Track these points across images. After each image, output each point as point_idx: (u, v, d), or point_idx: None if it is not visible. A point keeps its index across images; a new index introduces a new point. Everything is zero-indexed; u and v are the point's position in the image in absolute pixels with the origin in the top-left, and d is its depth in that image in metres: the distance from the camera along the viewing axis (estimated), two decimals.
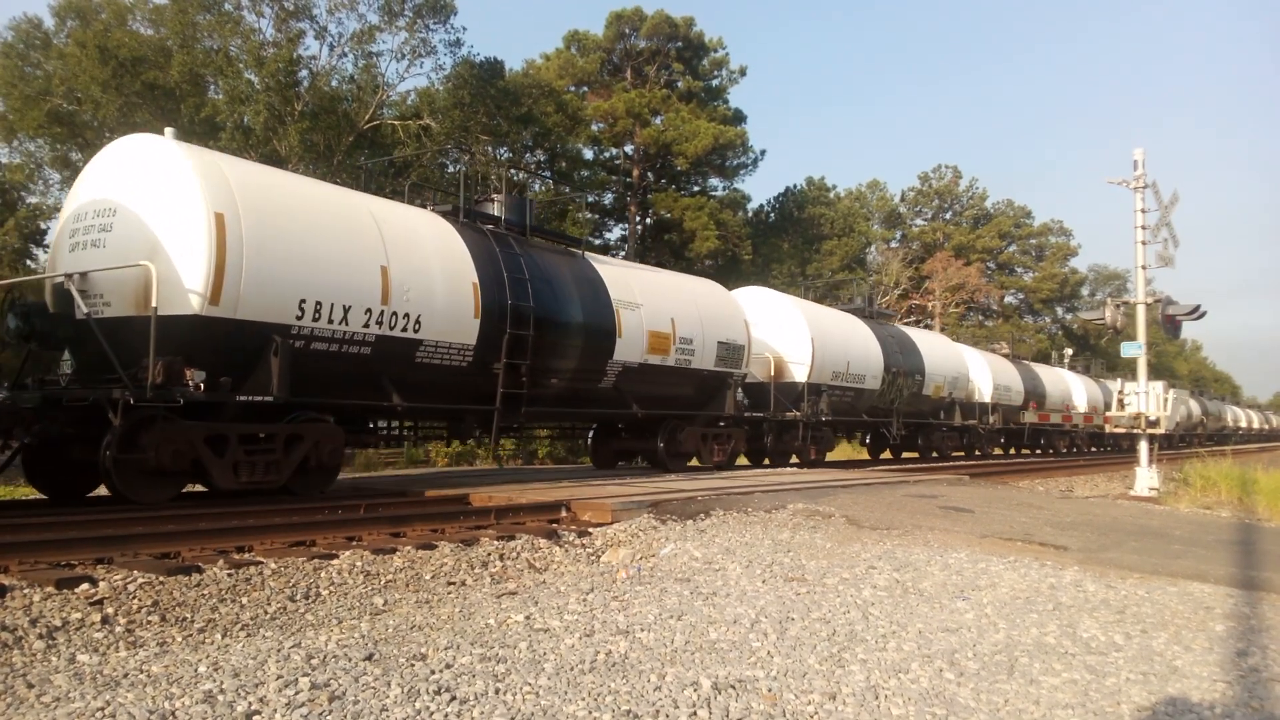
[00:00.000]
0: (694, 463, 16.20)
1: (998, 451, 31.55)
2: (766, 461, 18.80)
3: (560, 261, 13.34)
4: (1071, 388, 34.84)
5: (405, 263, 10.28)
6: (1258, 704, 4.07)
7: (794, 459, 18.30)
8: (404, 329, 10.14)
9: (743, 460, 20.24)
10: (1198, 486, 17.02)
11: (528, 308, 11.75)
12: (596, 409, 14.14)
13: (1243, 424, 61.80)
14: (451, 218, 12.03)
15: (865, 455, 27.26)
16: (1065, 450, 34.75)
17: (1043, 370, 33.80)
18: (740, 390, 16.80)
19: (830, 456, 21.05)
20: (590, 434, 17.55)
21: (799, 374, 18.95)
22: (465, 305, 10.99)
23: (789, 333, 19.10)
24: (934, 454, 25.96)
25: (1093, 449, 38.42)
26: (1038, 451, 33.95)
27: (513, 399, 11.73)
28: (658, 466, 14.96)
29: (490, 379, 11.41)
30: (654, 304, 14.38)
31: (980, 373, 27.61)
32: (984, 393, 27.58)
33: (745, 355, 16.23)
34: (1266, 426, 73.27)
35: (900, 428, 22.94)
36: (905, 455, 26.78)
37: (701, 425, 15.54)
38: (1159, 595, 6.32)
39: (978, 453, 28.21)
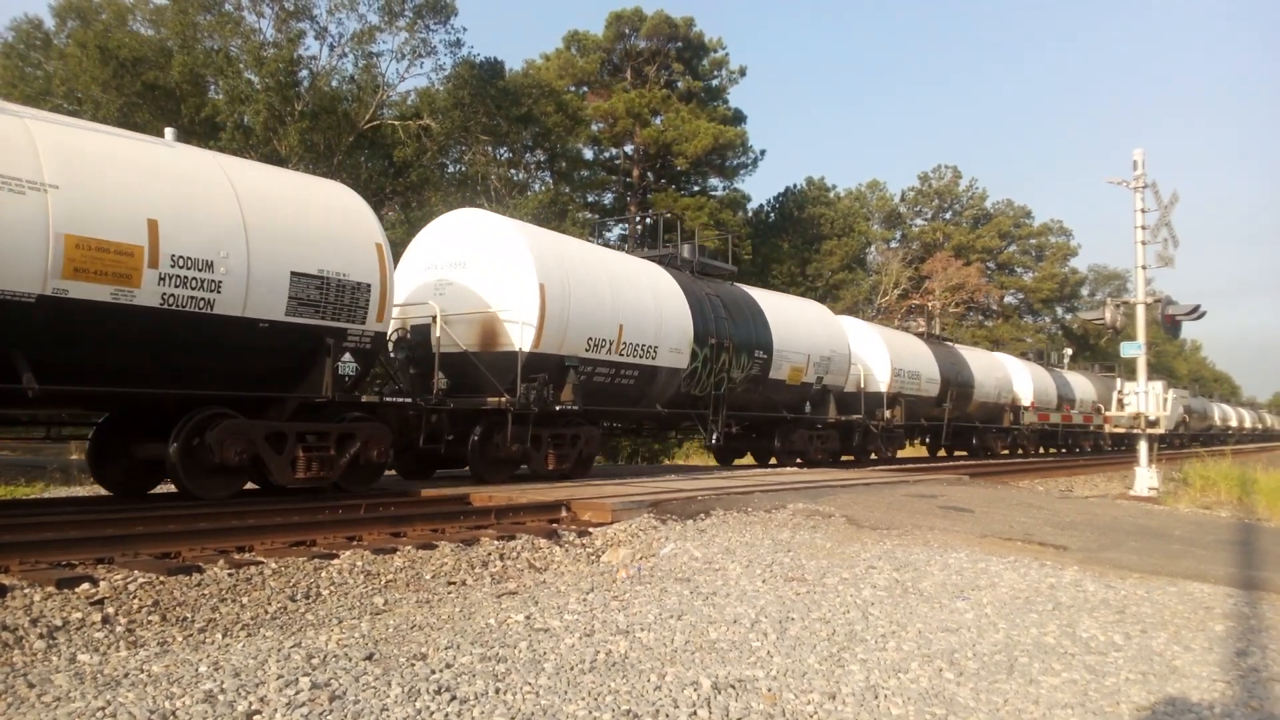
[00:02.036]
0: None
1: (910, 451, 28.33)
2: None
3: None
4: (1013, 376, 30.79)
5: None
6: (1257, 704, 4.07)
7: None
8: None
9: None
10: (1197, 486, 17.03)
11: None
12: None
13: (1233, 423, 60.00)
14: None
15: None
16: (1005, 452, 30.34)
17: (972, 354, 29.12)
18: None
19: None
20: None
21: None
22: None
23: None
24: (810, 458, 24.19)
25: (1060, 450, 35.71)
26: (962, 453, 29.14)
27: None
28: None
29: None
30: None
31: (879, 359, 22.70)
32: (880, 381, 22.59)
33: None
34: (1259, 426, 71.18)
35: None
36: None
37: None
38: (1159, 595, 6.33)
39: (873, 456, 22.88)
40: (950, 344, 28.02)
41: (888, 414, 21.27)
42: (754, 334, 16.56)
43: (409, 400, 11.14)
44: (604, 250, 15.08)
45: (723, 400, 15.58)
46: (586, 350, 12.61)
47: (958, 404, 25.59)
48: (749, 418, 17.27)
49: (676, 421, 16.07)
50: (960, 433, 27.18)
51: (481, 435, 11.50)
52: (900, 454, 25.19)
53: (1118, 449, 38.35)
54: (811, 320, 18.91)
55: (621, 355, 13.29)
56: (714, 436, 15.64)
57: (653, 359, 13.88)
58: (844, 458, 20.79)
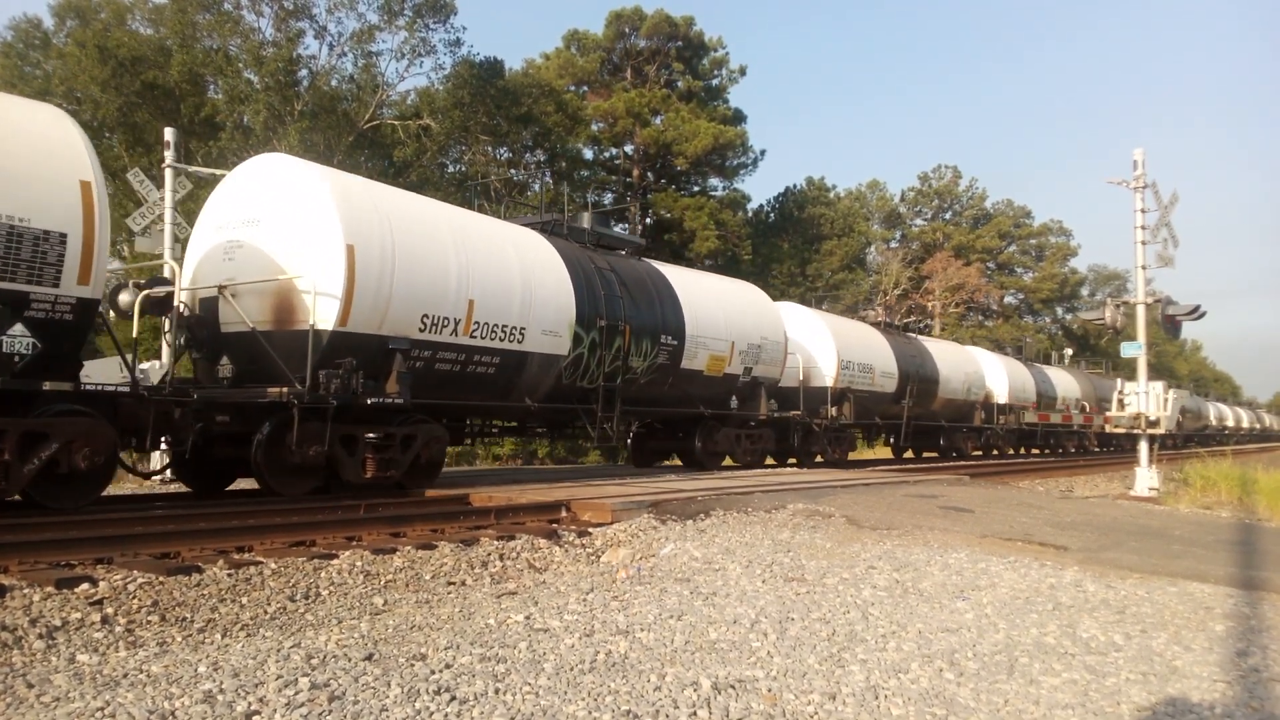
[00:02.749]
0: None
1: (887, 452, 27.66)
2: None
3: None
4: (986, 371, 28.33)
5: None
6: (1257, 704, 4.06)
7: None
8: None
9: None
10: (1198, 486, 17.03)
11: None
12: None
13: (1229, 423, 58.97)
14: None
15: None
16: (978, 453, 28.44)
17: (937, 346, 26.84)
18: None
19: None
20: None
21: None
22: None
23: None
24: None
25: (1043, 450, 34.01)
26: (932, 454, 27.18)
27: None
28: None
29: None
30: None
31: (823, 349, 19.93)
32: (825, 375, 19.83)
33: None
34: (1257, 426, 70.09)
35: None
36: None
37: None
38: (1159, 595, 6.32)
39: (820, 459, 20.13)
40: (912, 335, 25.87)
41: (833, 411, 19.14)
42: (661, 316, 14.09)
43: (126, 389, 8.21)
44: (452, 209, 12.10)
45: (617, 393, 13.16)
46: (421, 331, 10.15)
47: (919, 401, 23.37)
48: (657, 414, 15.37)
49: (559, 418, 13.50)
50: (927, 432, 25.22)
51: (269, 436, 9.07)
52: (857, 456, 23.29)
53: (1105, 450, 37.68)
54: (737, 303, 16.27)
55: (474, 338, 10.79)
56: (608, 435, 13.37)
57: (519, 343, 11.43)
58: (789, 461, 18.57)
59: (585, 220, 14.98)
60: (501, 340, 11.25)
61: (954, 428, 26.20)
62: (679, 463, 17.27)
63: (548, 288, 12.02)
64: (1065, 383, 35.15)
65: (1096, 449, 37.22)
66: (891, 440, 25.92)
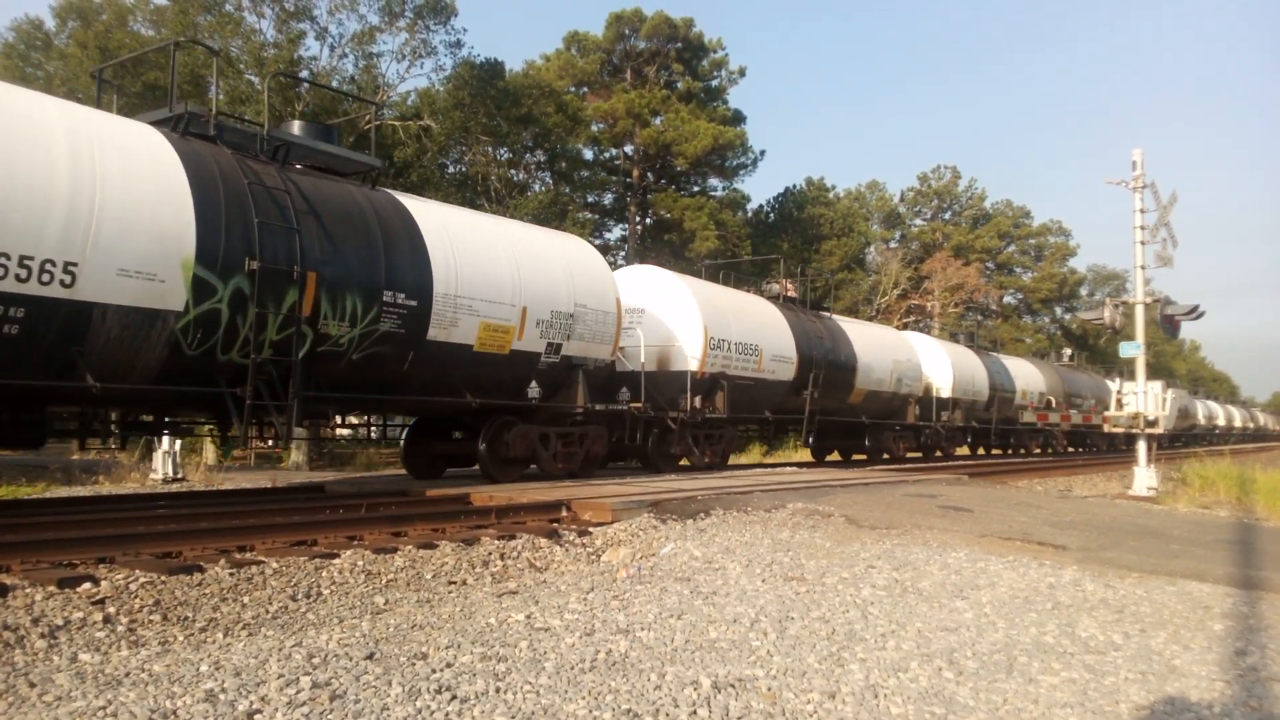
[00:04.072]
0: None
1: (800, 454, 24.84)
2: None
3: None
4: (925, 360, 24.37)
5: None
6: (1256, 703, 4.08)
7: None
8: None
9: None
10: (1196, 486, 17.03)
11: None
12: None
13: (1219, 421, 57.52)
14: None
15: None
16: (918, 455, 24.53)
17: (861, 329, 22.46)
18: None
19: None
20: None
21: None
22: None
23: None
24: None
25: (1007, 451, 31.25)
26: (860, 456, 23.51)
27: None
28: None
29: None
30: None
31: (686, 324, 15.52)
32: (689, 357, 15.47)
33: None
34: (1251, 425, 68.77)
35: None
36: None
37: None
38: (1158, 594, 6.34)
39: (683, 461, 16.24)
40: (826, 314, 21.29)
41: (696, 402, 15.08)
42: (385, 265, 10.09)
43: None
44: None
45: (297, 374, 9.16)
46: None
47: (830, 392, 19.20)
48: (391, 407, 11.90)
49: (168, 404, 9.59)
50: (848, 431, 21.42)
51: None
52: (753, 458, 21.06)
53: (1084, 450, 36.09)
54: (539, 256, 12.30)
55: None
56: (278, 433, 9.56)
57: (68, 287, 7.48)
58: (631, 463, 15.94)
59: (296, 129, 10.73)
60: (37, 285, 7.28)
61: (880, 425, 22.03)
62: (476, 468, 12.73)
63: (136, 203, 7.96)
64: (1027, 375, 31.35)
65: (1066, 449, 34.70)
66: (811, 441, 22.32)
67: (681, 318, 15.36)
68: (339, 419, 14.67)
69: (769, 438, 21.35)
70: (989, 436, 28.51)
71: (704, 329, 15.27)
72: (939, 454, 24.91)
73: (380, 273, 10.09)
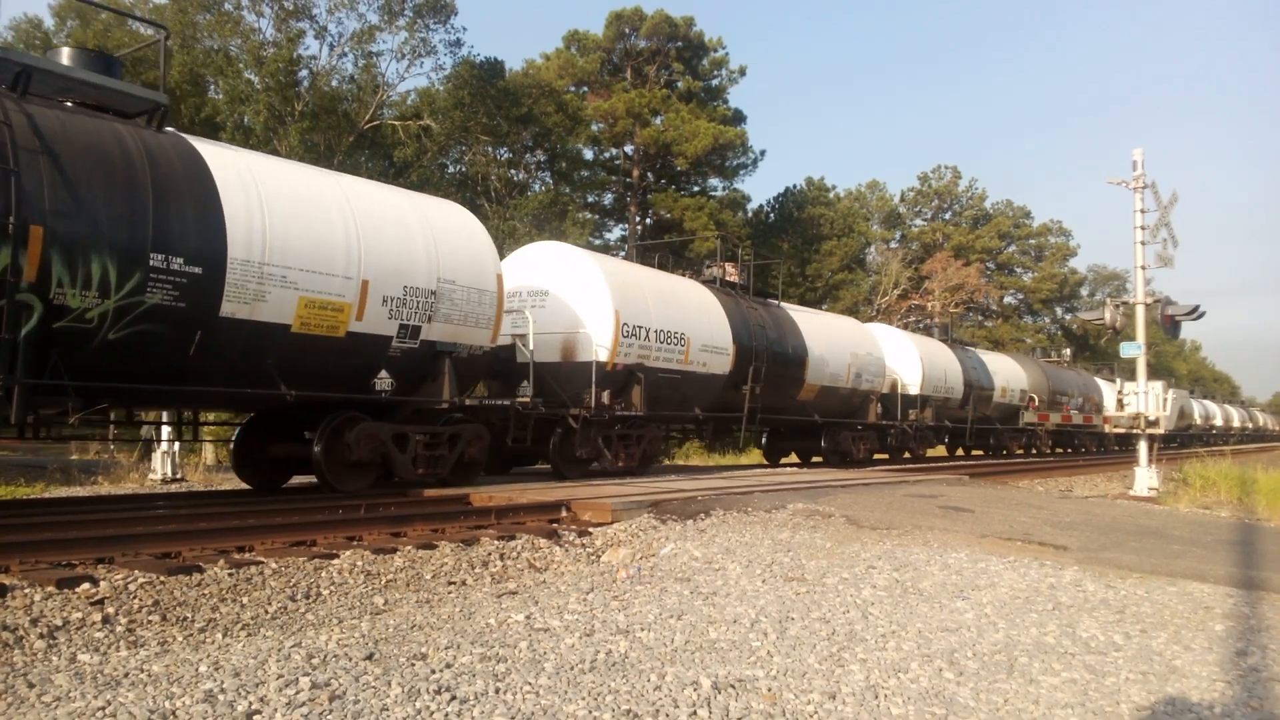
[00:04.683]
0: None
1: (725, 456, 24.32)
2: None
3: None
4: (889, 353, 22.33)
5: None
6: (1257, 703, 4.07)
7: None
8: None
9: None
10: (1197, 486, 17.04)
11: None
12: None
13: (1216, 421, 56.57)
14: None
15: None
16: (884, 456, 22.87)
17: (811, 318, 20.14)
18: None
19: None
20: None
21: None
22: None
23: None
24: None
25: (985, 451, 29.46)
26: (817, 459, 21.06)
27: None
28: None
29: None
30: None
31: (593, 309, 13.47)
32: (597, 346, 13.51)
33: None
34: (1250, 426, 67.77)
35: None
36: None
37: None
38: (1158, 595, 6.33)
39: (595, 464, 14.36)
40: (777, 303, 19.20)
41: (604, 398, 13.10)
42: (150, 220, 8.08)
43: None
44: None
45: (21, 355, 7.31)
46: None
47: (775, 388, 17.26)
48: (162, 396, 9.15)
49: None
50: (802, 430, 19.59)
51: None
52: (683, 460, 20.00)
53: (1072, 451, 34.57)
54: (392, 220, 10.39)
55: None
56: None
57: None
58: (525, 468, 14.63)
59: (65, 58, 8.94)
60: None
61: (838, 425, 19.96)
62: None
63: None
64: (1007, 372, 29.43)
65: (1049, 450, 32.87)
66: (764, 442, 21.30)
67: (590, 301, 13.33)
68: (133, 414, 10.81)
69: (707, 438, 18.74)
70: (965, 436, 26.55)
71: (615, 314, 13.28)
72: (907, 456, 23.22)
73: (145, 230, 8.00)
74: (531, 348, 12.61)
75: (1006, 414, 28.72)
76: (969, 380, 25.69)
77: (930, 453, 25.52)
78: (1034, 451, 31.78)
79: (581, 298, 13.38)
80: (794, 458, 21.42)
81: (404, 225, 10.56)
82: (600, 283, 13.41)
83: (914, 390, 22.79)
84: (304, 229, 9.32)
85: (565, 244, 15.00)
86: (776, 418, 18.02)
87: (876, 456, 21.92)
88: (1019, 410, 28.87)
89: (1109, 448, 37.51)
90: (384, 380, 10.29)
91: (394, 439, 10.32)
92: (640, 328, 13.78)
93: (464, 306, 10.98)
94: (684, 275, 17.30)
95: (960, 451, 29.18)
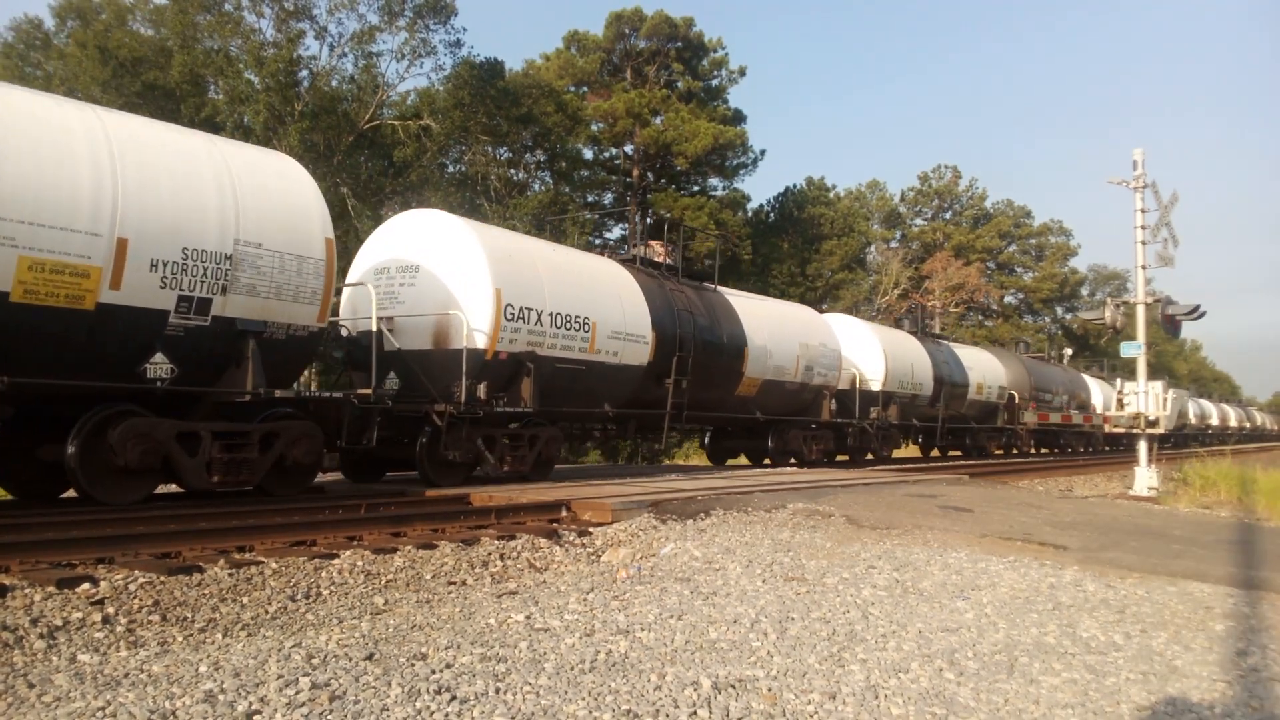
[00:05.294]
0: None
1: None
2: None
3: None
4: (846, 344, 20.36)
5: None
6: (1257, 704, 4.07)
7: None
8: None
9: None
10: (1197, 486, 17.04)
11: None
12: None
13: (1213, 421, 55.81)
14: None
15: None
16: (842, 457, 21.08)
17: (754, 305, 17.90)
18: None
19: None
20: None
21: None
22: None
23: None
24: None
25: (959, 454, 27.58)
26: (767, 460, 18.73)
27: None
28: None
29: None
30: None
31: (467, 286, 11.48)
32: (474, 330, 11.38)
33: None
34: (1247, 425, 67.05)
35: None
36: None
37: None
38: (1159, 595, 6.33)
39: (483, 468, 12.24)
40: (713, 288, 16.94)
41: (480, 391, 11.00)
42: None
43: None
44: None
45: None
46: None
47: (708, 381, 15.25)
48: None
49: None
50: (749, 430, 17.84)
51: None
52: (582, 463, 18.31)
53: (1060, 452, 33.03)
54: (169, 167, 8.45)
55: None
56: None
57: None
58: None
59: None
60: None
61: (786, 423, 18.00)
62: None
63: None
64: (984, 367, 27.38)
65: (1031, 450, 31.11)
66: (707, 441, 19.31)
67: (465, 278, 11.32)
68: None
69: (630, 438, 16.56)
70: (936, 436, 24.86)
71: (495, 293, 11.25)
72: (870, 456, 21.37)
73: None
74: (371, 327, 10.80)
75: (984, 412, 27.28)
76: (940, 375, 24.00)
77: (901, 454, 24.33)
78: (1015, 452, 30.00)
79: (456, 274, 11.36)
80: (744, 459, 19.72)
81: (189, 173, 8.57)
82: (478, 256, 11.36)
83: (876, 386, 21.18)
84: (32, 169, 7.43)
85: (441, 211, 12.60)
86: (709, 415, 16.28)
87: (839, 459, 20.39)
88: (997, 408, 27.45)
89: (1099, 448, 36.29)
90: (160, 366, 8.36)
91: (180, 439, 8.44)
92: (530, 310, 11.76)
93: (275, 276, 9.07)
94: (600, 254, 15.65)
95: (936, 453, 27.80)
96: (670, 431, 15.24)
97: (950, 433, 25.44)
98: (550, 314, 12.10)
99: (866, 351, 21.39)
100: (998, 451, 28.89)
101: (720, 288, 17.39)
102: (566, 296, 12.44)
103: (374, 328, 10.88)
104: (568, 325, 12.36)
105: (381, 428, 10.67)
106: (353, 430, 10.34)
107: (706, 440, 19.03)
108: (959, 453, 28.19)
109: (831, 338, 19.49)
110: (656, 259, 15.94)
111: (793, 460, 18.05)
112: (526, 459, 12.02)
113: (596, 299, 13.01)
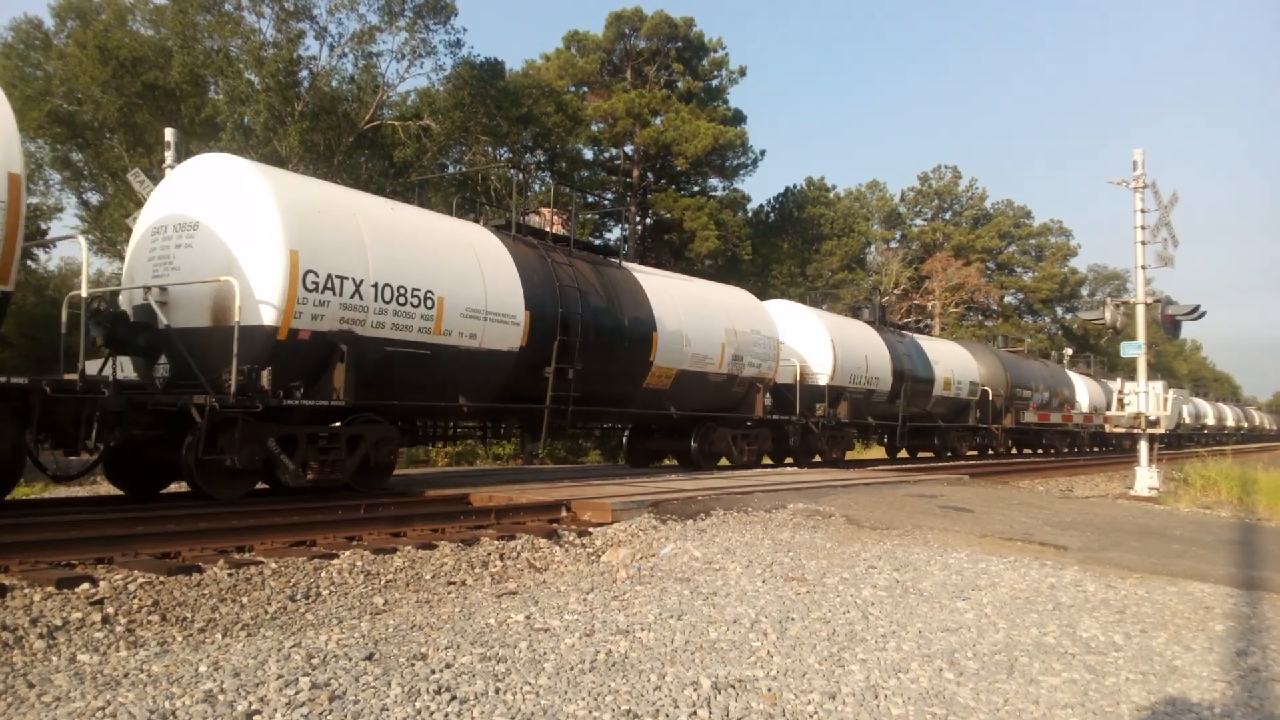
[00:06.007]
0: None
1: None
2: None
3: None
4: (785, 332, 17.96)
5: None
6: (1257, 704, 4.07)
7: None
8: None
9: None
10: (1197, 486, 17.03)
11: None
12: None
13: (1209, 421, 54.76)
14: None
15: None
16: (788, 462, 18.52)
17: (677, 285, 15.56)
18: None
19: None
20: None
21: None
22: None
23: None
24: None
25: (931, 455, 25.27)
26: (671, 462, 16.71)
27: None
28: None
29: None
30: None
31: (252, 251, 9.01)
32: (264, 306, 8.98)
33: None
34: (1245, 425, 66.20)
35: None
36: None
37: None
38: (1159, 595, 6.33)
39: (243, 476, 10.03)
40: (616, 262, 14.36)
41: (263, 379, 8.66)
42: None
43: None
44: None
45: None
46: None
47: (606, 372, 12.86)
48: None
49: None
50: (674, 429, 15.33)
51: None
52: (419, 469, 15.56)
53: (1043, 453, 31.29)
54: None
55: None
56: None
57: None
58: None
59: None
60: None
61: (712, 420, 15.58)
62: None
63: None
64: (953, 361, 24.93)
65: (1005, 450, 28.61)
66: (625, 442, 16.70)
67: (250, 236, 9.00)
68: None
69: (505, 437, 14.59)
70: (896, 436, 22.40)
71: (290, 255, 8.87)
72: (817, 459, 19.00)
73: None
74: (129, 297, 8.89)
75: (954, 410, 24.96)
76: (900, 369, 21.46)
77: (863, 455, 22.45)
78: (990, 453, 27.69)
79: (240, 231, 9.03)
80: (673, 461, 16.93)
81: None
82: (267, 209, 8.98)
83: (823, 379, 18.65)
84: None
85: (229, 155, 10.34)
86: (610, 411, 13.81)
87: (787, 461, 18.35)
88: (969, 405, 25.33)
89: (1084, 448, 34.66)
90: None
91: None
92: (343, 279, 9.35)
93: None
94: (470, 220, 13.03)
95: (904, 454, 25.57)
96: (560, 430, 12.91)
97: (915, 432, 23.25)
98: (376, 285, 9.67)
99: (811, 341, 18.80)
100: (971, 453, 26.69)
101: (628, 264, 14.85)
102: (400, 264, 10.03)
103: (129, 299, 9.23)
104: (401, 299, 9.93)
105: (147, 426, 8.55)
106: (70, 429, 7.98)
107: (624, 440, 16.57)
108: (930, 454, 25.90)
109: (768, 324, 16.84)
110: (545, 228, 13.47)
111: (711, 459, 15.68)
112: (345, 464, 9.68)
113: (445, 269, 10.59)
